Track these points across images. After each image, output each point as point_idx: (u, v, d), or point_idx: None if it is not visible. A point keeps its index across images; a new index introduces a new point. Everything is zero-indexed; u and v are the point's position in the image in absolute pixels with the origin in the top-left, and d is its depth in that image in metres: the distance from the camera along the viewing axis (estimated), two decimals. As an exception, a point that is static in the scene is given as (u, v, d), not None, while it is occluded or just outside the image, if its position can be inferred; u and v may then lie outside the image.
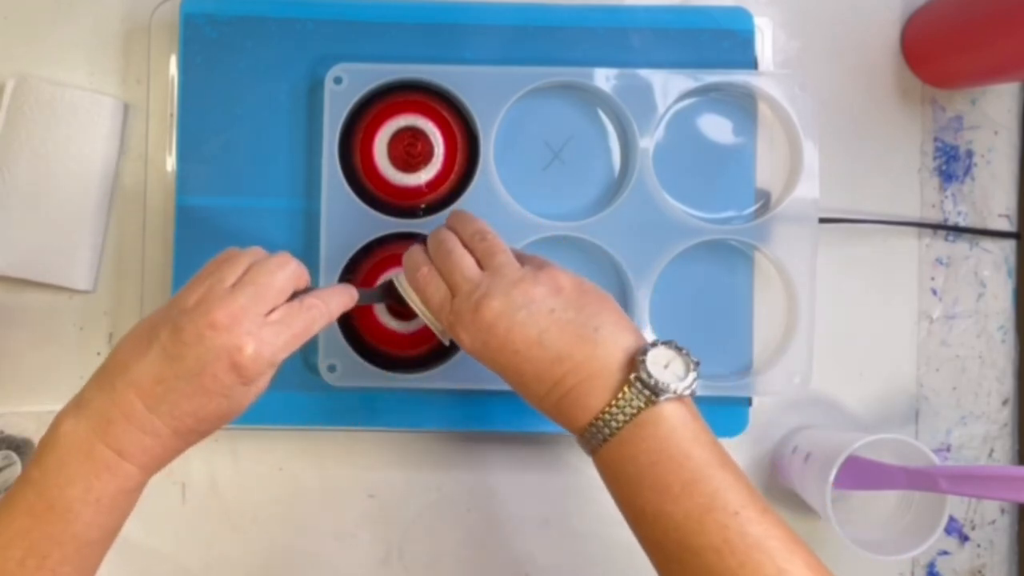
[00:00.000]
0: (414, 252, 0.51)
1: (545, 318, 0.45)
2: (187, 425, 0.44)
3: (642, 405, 0.43)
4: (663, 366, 0.44)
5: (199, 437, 0.46)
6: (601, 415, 0.43)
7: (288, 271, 0.46)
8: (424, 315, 0.50)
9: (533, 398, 0.46)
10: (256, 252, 0.48)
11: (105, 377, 0.45)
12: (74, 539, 0.43)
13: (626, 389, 0.43)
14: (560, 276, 0.46)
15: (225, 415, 0.45)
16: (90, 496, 0.43)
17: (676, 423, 0.43)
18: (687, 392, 0.44)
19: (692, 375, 0.44)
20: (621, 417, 0.43)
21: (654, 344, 0.45)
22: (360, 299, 0.51)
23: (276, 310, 0.45)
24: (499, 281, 0.46)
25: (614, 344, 0.45)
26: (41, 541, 0.43)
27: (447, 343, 0.53)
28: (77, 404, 0.45)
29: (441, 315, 0.48)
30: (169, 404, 0.44)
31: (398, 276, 0.52)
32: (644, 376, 0.43)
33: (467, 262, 0.48)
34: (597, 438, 0.44)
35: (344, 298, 0.49)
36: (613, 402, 0.43)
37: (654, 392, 0.43)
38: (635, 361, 0.44)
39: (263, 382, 0.46)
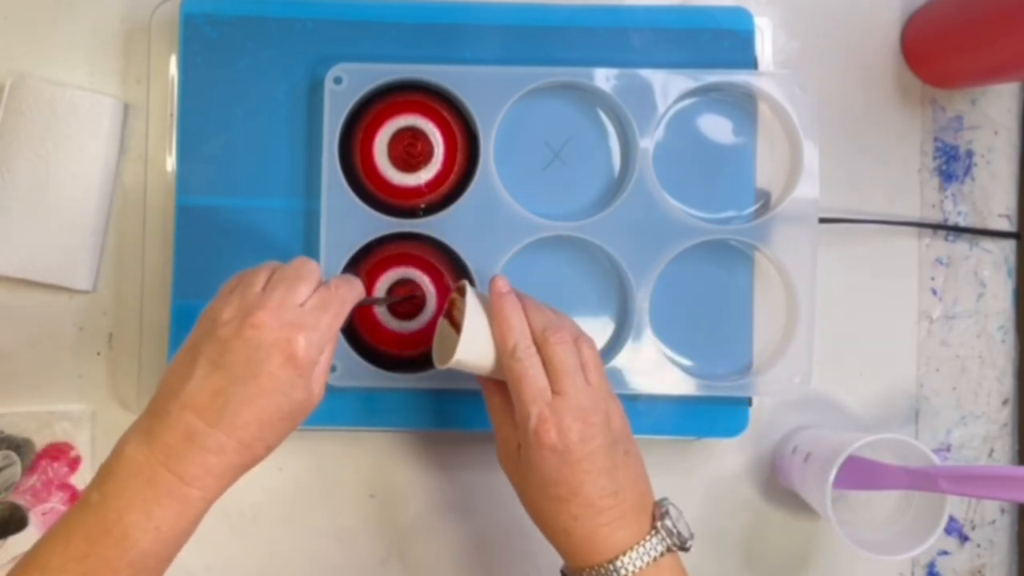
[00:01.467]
0: (517, 314, 0.50)
1: (621, 454, 0.48)
2: (251, 434, 0.44)
3: (664, 550, 0.47)
4: (679, 517, 0.49)
5: (265, 449, 0.45)
6: (626, 552, 0.46)
7: (311, 265, 0.48)
8: (470, 336, 0.50)
9: (565, 518, 0.47)
10: (272, 263, 0.49)
11: (159, 404, 0.44)
12: (130, 566, 0.42)
13: (652, 533, 0.47)
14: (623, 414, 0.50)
15: (288, 416, 0.45)
16: (150, 524, 0.42)
17: (682, 568, 0.48)
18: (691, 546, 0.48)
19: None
20: (646, 558, 0.46)
21: (663, 498, 0.49)
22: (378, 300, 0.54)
23: (309, 299, 0.46)
24: (601, 403, 0.48)
25: (647, 488, 0.49)
26: (96, 566, 0.42)
27: (443, 367, 0.52)
28: (139, 430, 0.44)
29: (531, 400, 0.47)
30: (230, 415, 0.43)
31: (470, 292, 0.51)
32: (670, 524, 0.48)
33: (580, 376, 0.48)
34: (613, 574, 0.46)
35: (356, 282, 0.51)
36: (638, 543, 0.47)
37: (680, 540, 0.48)
38: (659, 509, 0.48)
39: (321, 377, 0.46)
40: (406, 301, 0.60)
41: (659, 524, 0.47)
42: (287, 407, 0.45)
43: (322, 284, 0.48)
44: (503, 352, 0.49)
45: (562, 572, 0.50)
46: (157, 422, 0.44)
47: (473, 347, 0.50)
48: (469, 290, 0.51)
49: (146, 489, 0.42)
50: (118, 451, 0.44)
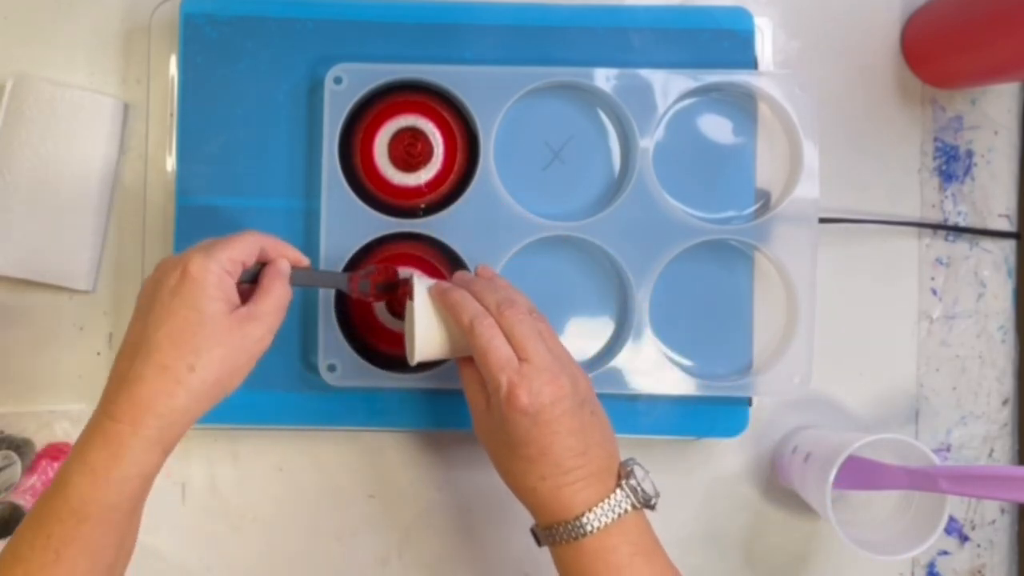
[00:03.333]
0: (467, 297, 0.51)
1: (588, 415, 0.49)
2: (167, 354, 0.45)
3: (629, 507, 0.48)
4: (645, 477, 0.49)
5: (193, 376, 0.45)
6: (591, 509, 0.47)
7: (244, 233, 0.50)
8: (424, 332, 0.51)
9: (533, 478, 0.48)
10: None
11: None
12: (72, 515, 0.43)
13: (617, 491, 0.48)
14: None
15: (211, 335, 0.46)
16: (85, 467, 0.44)
17: (647, 524, 0.49)
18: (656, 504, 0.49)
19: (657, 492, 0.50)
20: (611, 515, 0.47)
21: (629, 458, 0.50)
22: (352, 285, 0.54)
23: None
24: (566, 367, 0.49)
25: (613, 449, 0.50)
26: (45, 518, 0.44)
27: (413, 363, 0.53)
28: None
29: (500, 369, 0.48)
30: (145, 343, 0.45)
31: (420, 280, 0.52)
32: (634, 483, 0.48)
33: (542, 343, 0.49)
34: (579, 530, 0.47)
35: (288, 247, 0.52)
36: (603, 500, 0.48)
37: (644, 497, 0.48)
38: (625, 468, 0.49)
39: (263, 303, 0.48)
40: (390, 288, 0.57)
41: (624, 483, 0.48)
42: (197, 320, 0.45)
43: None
44: (464, 332, 0.50)
45: (532, 531, 0.51)
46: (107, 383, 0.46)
47: (430, 340, 0.51)
48: (417, 284, 0.52)
49: (85, 435, 0.45)
50: None
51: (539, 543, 0.50)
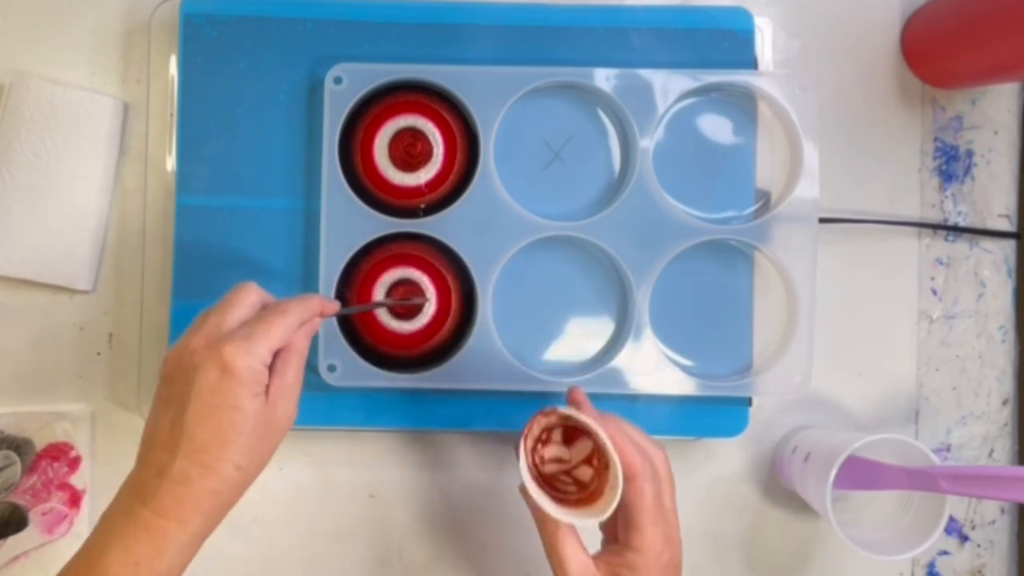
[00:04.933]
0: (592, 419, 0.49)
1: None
2: (212, 455, 0.44)
3: None
4: None
5: (235, 468, 0.45)
6: None
7: (246, 288, 0.48)
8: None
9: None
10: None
11: (139, 453, 0.46)
12: None
13: None
14: None
15: (251, 431, 0.45)
16: (129, 558, 0.43)
17: None
18: None
19: None
20: None
21: None
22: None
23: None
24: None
25: None
26: None
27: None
28: (127, 480, 0.46)
29: (644, 468, 0.48)
30: (186, 439, 0.44)
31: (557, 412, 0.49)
32: None
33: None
34: None
35: (309, 298, 0.50)
36: None
37: None
38: None
39: (285, 388, 0.47)
40: (405, 303, 0.60)
41: None
42: (241, 420, 0.45)
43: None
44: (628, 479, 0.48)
45: None
46: (136, 468, 0.46)
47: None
48: (601, 434, 0.47)
49: (126, 526, 0.44)
50: (113, 500, 0.45)
51: None
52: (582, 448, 0.50)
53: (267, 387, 0.46)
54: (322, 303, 0.51)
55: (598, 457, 0.49)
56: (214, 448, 0.44)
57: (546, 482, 0.50)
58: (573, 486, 0.50)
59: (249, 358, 0.45)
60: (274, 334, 0.46)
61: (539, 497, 0.47)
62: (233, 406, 0.44)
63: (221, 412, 0.44)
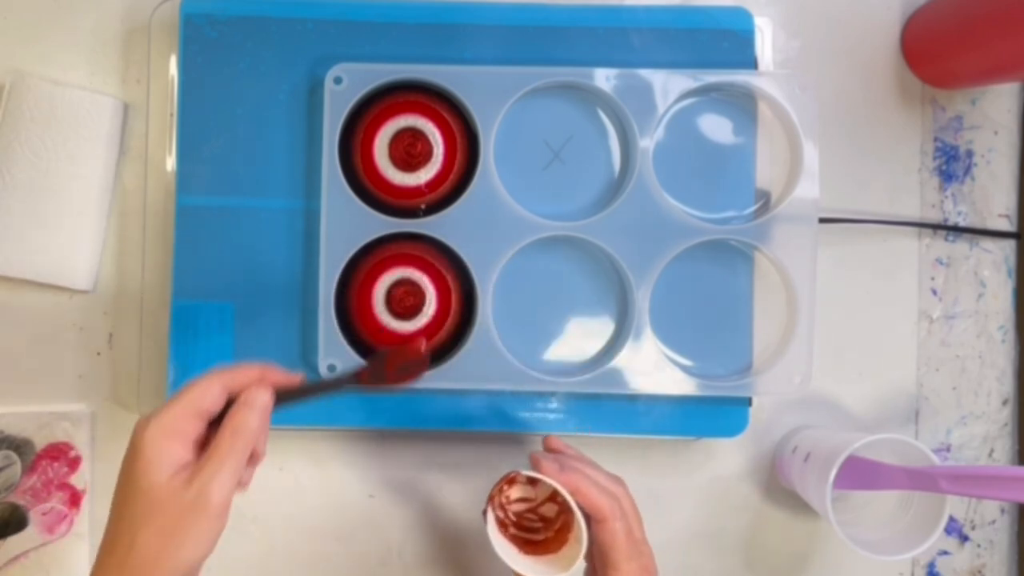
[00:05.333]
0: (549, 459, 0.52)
1: None
2: (113, 532, 0.43)
3: None
4: None
5: (138, 558, 0.42)
6: None
7: (197, 380, 0.45)
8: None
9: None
10: None
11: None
12: None
13: None
14: None
15: (142, 512, 0.42)
16: None
17: None
18: None
19: None
20: None
21: None
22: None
23: None
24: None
25: None
26: None
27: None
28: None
29: (613, 510, 0.50)
30: (127, 536, 0.42)
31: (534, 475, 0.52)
32: None
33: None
34: None
35: (256, 368, 0.47)
36: None
37: None
38: None
39: (202, 469, 0.43)
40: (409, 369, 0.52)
41: None
42: (131, 495, 0.42)
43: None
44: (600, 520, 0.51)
45: None
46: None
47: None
48: (565, 494, 0.50)
49: None
50: None
51: None
52: (546, 487, 0.54)
53: (188, 465, 0.43)
54: (263, 371, 0.47)
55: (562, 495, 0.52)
56: (114, 520, 0.43)
57: (515, 523, 0.55)
58: (539, 523, 0.55)
59: (144, 430, 0.42)
60: (180, 399, 0.43)
61: (503, 552, 0.51)
62: (126, 480, 0.43)
63: (120, 487, 0.43)
